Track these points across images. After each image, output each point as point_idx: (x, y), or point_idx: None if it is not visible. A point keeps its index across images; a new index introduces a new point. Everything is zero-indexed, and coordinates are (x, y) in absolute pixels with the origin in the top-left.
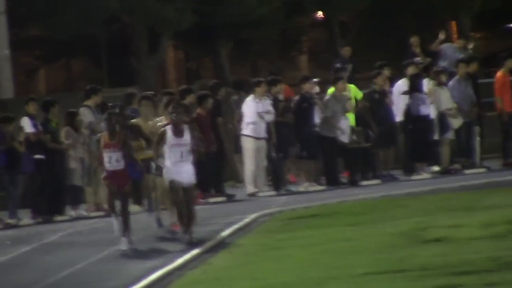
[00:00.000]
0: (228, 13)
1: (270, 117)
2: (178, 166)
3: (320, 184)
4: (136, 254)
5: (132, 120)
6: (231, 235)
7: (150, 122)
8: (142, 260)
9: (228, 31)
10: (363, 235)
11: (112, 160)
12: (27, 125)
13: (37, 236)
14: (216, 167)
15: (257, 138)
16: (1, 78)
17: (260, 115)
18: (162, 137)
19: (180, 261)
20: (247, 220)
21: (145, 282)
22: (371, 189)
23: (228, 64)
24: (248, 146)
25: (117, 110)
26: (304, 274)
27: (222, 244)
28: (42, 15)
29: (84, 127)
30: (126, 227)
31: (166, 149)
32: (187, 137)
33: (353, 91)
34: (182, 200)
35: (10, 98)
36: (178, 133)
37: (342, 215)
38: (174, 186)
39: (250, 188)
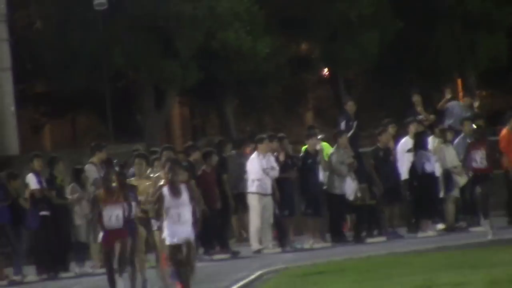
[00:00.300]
0: (234, 70)
1: (274, 173)
2: (176, 228)
3: (326, 241)
4: None
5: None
6: None
7: (145, 181)
8: None
9: (234, 88)
10: None
11: (112, 217)
12: (32, 181)
13: None
14: (221, 223)
15: (263, 195)
16: (6, 134)
17: (265, 171)
18: (159, 198)
19: None
20: (252, 277)
21: None
22: (376, 246)
23: (233, 121)
24: (254, 203)
25: (116, 168)
26: None
27: None
28: (48, 71)
29: (90, 184)
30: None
31: (164, 209)
32: (185, 197)
33: (325, 148)
34: (183, 260)
35: (15, 155)
36: (175, 193)
37: (348, 272)
38: (173, 250)
39: (255, 245)
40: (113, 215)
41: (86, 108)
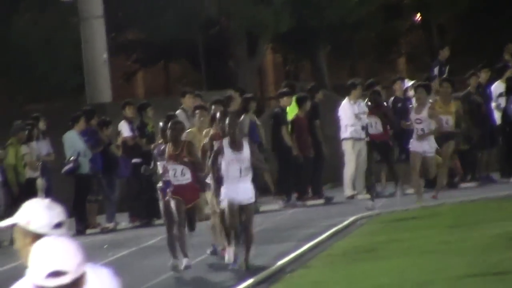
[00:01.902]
0: (326, 16)
1: (366, 119)
2: (236, 184)
3: None
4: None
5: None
6: (330, 237)
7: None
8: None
9: (326, 34)
10: (461, 237)
11: (177, 173)
12: (124, 129)
13: (135, 240)
14: (314, 170)
15: (357, 140)
16: (99, 82)
17: (357, 116)
18: (219, 151)
19: (279, 263)
20: (345, 223)
21: (243, 285)
22: (469, 191)
23: (326, 67)
24: (348, 148)
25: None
26: (402, 276)
27: (320, 247)
28: (140, 19)
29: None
30: (183, 247)
31: (223, 165)
32: (246, 152)
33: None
34: (239, 221)
35: (108, 102)
36: (236, 147)
37: (440, 217)
38: (231, 206)
39: (348, 191)
40: (178, 169)
41: (179, 56)
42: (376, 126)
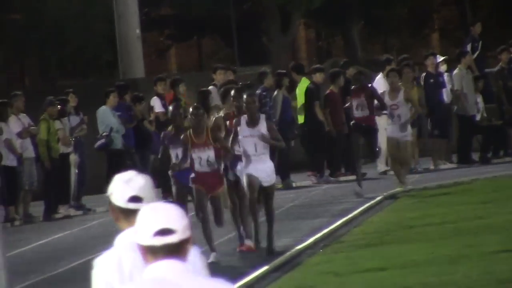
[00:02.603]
0: None
1: None
2: (255, 162)
3: (452, 162)
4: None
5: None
6: (363, 213)
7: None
8: (276, 238)
9: (359, 10)
10: (495, 213)
11: (202, 161)
12: (156, 104)
13: None
14: (347, 145)
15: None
16: (132, 57)
17: None
18: (236, 130)
19: (312, 239)
20: (378, 198)
21: (276, 261)
22: (502, 167)
23: (359, 43)
24: (382, 124)
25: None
26: (436, 252)
27: (353, 222)
28: None
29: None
30: (209, 239)
31: (240, 142)
32: (261, 127)
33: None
34: (256, 199)
35: (141, 78)
36: (252, 123)
37: (474, 193)
38: (252, 182)
39: (381, 167)
40: (203, 157)
41: (211, 31)
42: (362, 108)
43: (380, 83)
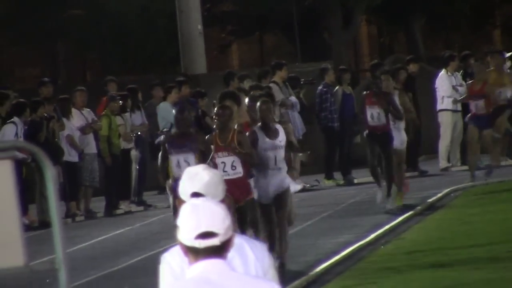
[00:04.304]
0: None
1: (463, 90)
2: (271, 176)
3: None
4: (329, 229)
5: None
6: (424, 210)
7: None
8: (335, 235)
9: (421, 5)
10: None
11: (226, 167)
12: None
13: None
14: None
15: (454, 111)
16: (194, 53)
17: (454, 88)
18: (253, 140)
19: (373, 236)
20: (439, 195)
21: (337, 257)
22: None
23: (421, 39)
24: (445, 120)
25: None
26: (497, 249)
27: (414, 219)
28: None
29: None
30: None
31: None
32: (282, 138)
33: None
34: (273, 218)
35: (203, 74)
36: (270, 133)
37: None
38: (263, 206)
39: (443, 163)
40: (228, 162)
41: (273, 27)
42: (379, 117)
43: (443, 79)
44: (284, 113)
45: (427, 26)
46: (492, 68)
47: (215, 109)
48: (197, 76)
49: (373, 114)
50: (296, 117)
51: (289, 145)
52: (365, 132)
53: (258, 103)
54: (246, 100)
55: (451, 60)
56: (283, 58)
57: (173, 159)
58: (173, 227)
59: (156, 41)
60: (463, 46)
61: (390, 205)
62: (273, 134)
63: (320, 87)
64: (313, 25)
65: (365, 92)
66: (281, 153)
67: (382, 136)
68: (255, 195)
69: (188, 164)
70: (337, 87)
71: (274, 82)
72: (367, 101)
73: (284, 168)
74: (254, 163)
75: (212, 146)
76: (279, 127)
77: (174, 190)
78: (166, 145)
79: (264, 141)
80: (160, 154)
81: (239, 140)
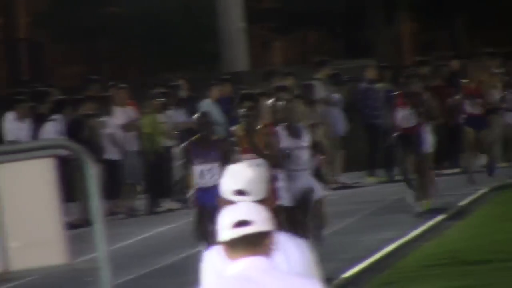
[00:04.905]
0: None
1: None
2: (293, 178)
3: None
4: (372, 226)
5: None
6: (467, 206)
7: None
8: (377, 232)
9: (464, 2)
10: None
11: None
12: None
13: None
14: (452, 138)
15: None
16: (236, 50)
17: None
18: (277, 141)
19: (415, 233)
20: (482, 191)
21: (378, 255)
22: None
23: (464, 35)
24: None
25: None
26: None
27: (457, 216)
28: None
29: (318, 101)
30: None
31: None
32: (306, 138)
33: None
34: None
35: (245, 71)
36: (294, 134)
37: None
38: (287, 210)
39: (484, 160)
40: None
41: (316, 24)
42: (410, 118)
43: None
44: (326, 110)
45: (470, 22)
46: None
47: (241, 110)
48: (239, 73)
49: (405, 115)
50: (338, 114)
51: (313, 145)
52: (395, 134)
53: (282, 103)
54: (269, 100)
55: (493, 58)
56: (325, 55)
57: (196, 169)
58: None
59: (198, 38)
60: (508, 43)
61: (419, 208)
62: (296, 134)
63: (362, 84)
64: (355, 22)
65: (394, 93)
66: (305, 154)
67: (414, 138)
68: (280, 199)
69: (212, 174)
70: (379, 84)
71: (317, 79)
72: (398, 102)
73: (309, 169)
74: (280, 165)
75: (238, 148)
76: (303, 127)
77: (198, 200)
78: (188, 153)
79: (288, 141)
80: (181, 162)
81: (266, 142)
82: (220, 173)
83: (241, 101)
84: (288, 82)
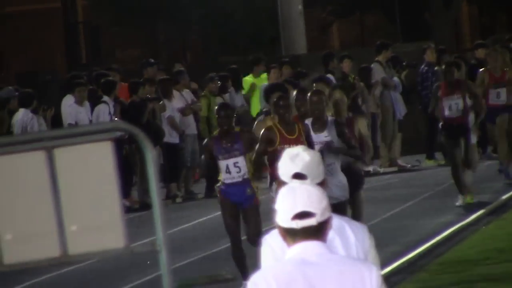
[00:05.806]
0: None
1: None
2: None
3: None
4: (430, 209)
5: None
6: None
7: None
8: (436, 215)
9: None
10: None
11: None
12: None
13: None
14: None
15: None
16: (294, 34)
17: None
18: (308, 134)
19: (474, 216)
20: None
21: (438, 238)
22: None
23: None
24: None
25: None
26: None
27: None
28: None
29: (376, 83)
30: None
31: None
32: (330, 133)
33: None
34: None
35: (303, 54)
36: (318, 127)
37: None
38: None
39: None
40: None
41: (374, 7)
42: (458, 108)
43: None
44: (386, 93)
45: None
46: None
47: (274, 100)
48: (297, 56)
49: (452, 105)
50: (397, 97)
51: (340, 135)
52: (441, 124)
53: (309, 95)
54: (294, 92)
55: None
56: (383, 38)
57: (222, 164)
58: (272, 210)
59: (256, 21)
60: None
61: (460, 202)
62: (320, 127)
63: (421, 66)
64: (414, 5)
65: (437, 84)
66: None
67: (461, 128)
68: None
69: (239, 168)
70: (436, 67)
71: (378, 61)
72: (442, 92)
73: (337, 165)
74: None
75: (274, 137)
76: (331, 119)
77: (223, 193)
78: (212, 149)
79: (313, 135)
80: (203, 157)
81: (306, 133)
82: (246, 165)
83: (270, 93)
84: (345, 64)
